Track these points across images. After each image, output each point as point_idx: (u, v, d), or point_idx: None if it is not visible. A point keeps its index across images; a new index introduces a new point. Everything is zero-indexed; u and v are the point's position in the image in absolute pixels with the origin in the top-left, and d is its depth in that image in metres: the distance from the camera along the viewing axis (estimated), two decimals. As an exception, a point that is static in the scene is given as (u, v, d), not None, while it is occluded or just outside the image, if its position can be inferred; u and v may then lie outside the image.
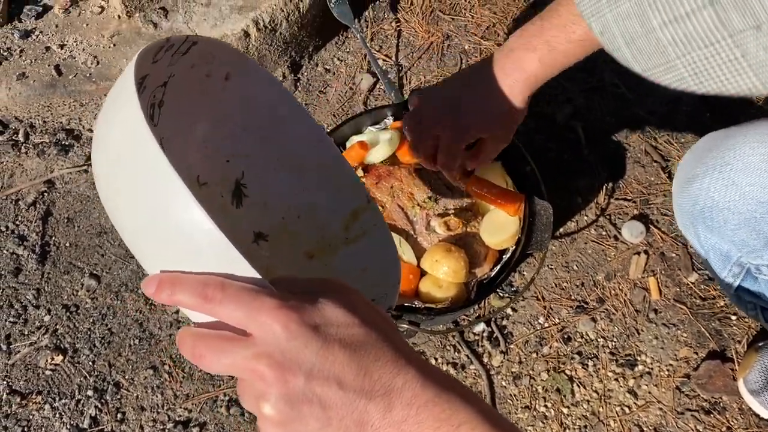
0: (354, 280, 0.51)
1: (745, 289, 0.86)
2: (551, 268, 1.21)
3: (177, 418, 1.10)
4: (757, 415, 1.07)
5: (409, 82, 1.39)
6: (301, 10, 1.33)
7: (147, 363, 1.14)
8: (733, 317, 1.16)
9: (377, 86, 1.38)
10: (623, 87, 1.36)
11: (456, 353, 1.14)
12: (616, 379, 1.12)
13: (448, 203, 1.03)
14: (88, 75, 1.32)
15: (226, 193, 0.64)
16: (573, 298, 1.18)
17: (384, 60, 1.41)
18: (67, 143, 1.32)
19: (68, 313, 1.18)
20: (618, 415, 1.09)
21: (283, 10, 1.31)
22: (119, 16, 1.34)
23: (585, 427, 1.09)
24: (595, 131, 1.33)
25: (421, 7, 1.46)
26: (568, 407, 1.10)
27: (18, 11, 1.37)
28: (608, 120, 1.34)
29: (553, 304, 1.18)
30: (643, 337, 1.15)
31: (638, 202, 1.26)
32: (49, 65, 1.33)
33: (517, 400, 1.11)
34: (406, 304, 0.97)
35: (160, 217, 0.40)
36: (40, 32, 1.36)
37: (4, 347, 1.15)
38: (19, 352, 1.15)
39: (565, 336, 1.15)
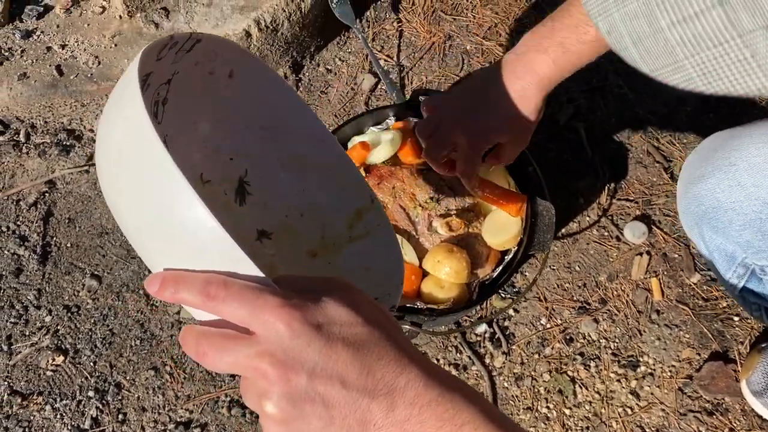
0: (357, 280, 0.51)
1: (750, 290, 0.86)
2: (553, 269, 1.21)
3: (178, 419, 1.10)
4: (760, 417, 1.07)
5: (411, 83, 1.39)
6: (303, 11, 1.33)
7: (148, 364, 1.14)
8: (736, 318, 1.15)
9: (379, 86, 1.38)
10: (625, 87, 1.36)
11: (458, 354, 1.14)
12: (619, 381, 1.12)
13: (450, 204, 1.03)
14: (89, 75, 1.32)
15: (230, 191, 0.64)
16: (575, 299, 1.18)
17: (385, 60, 1.41)
18: (68, 143, 1.32)
19: (69, 314, 1.18)
20: (620, 417, 1.09)
21: (284, 10, 1.31)
22: (120, 16, 1.34)
23: (587, 428, 1.09)
24: (597, 132, 1.32)
25: (422, 8, 1.46)
26: (570, 408, 1.10)
27: (19, 11, 1.37)
28: (610, 120, 1.34)
29: (555, 305, 1.18)
30: (645, 338, 1.15)
31: (640, 202, 1.26)
32: (50, 65, 1.33)
33: (519, 401, 1.11)
34: (408, 305, 0.97)
35: (164, 215, 0.40)
36: (42, 32, 1.36)
37: (5, 348, 1.15)
38: (20, 352, 1.15)
39: (567, 337, 1.15)
